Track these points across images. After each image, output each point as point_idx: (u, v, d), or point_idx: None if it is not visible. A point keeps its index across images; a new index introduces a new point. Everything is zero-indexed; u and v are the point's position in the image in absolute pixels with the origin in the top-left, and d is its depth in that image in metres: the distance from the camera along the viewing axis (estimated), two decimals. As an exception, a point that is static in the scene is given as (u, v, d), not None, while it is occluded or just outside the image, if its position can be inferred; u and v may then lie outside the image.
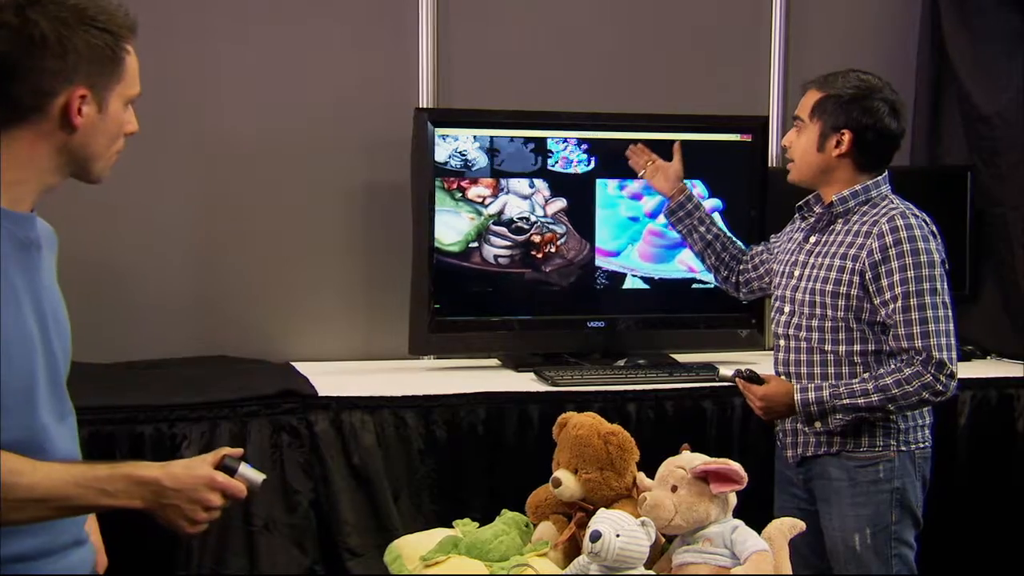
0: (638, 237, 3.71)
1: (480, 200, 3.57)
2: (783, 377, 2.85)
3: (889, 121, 2.77)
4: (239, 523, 2.99)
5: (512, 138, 3.57)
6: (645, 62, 3.95)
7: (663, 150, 3.69)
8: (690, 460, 2.06)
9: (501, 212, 3.58)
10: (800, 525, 2.10)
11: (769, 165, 3.86)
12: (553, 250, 3.65)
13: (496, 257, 3.60)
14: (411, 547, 2.16)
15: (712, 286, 3.71)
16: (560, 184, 3.62)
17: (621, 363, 3.59)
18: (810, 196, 2.89)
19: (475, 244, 3.58)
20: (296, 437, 3.08)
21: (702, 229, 3.17)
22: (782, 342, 2.88)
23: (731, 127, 3.75)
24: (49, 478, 1.64)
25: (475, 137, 3.53)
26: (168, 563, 2.94)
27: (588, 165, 3.62)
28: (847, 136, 2.76)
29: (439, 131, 3.50)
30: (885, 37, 4.16)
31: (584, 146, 3.62)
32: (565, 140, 3.60)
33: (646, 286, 3.72)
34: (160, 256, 3.57)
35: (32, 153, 1.70)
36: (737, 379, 2.81)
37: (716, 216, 3.70)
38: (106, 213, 3.38)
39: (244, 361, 3.55)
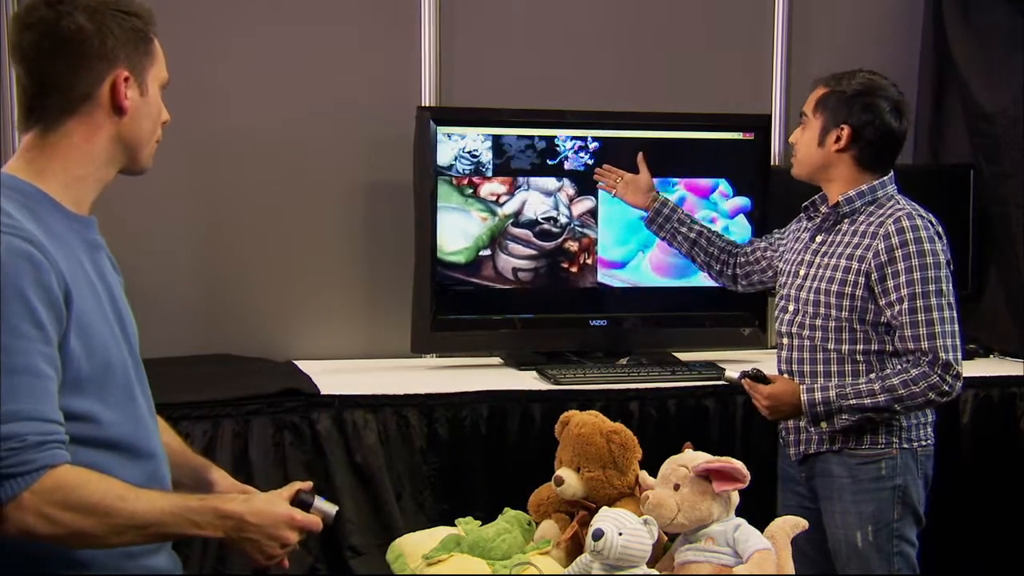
0: (651, 243, 3.67)
1: (494, 198, 3.54)
2: (787, 376, 2.86)
3: (890, 119, 2.78)
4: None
5: (518, 136, 3.56)
6: (648, 60, 3.95)
7: (666, 149, 3.69)
8: (692, 458, 2.06)
9: (519, 212, 3.57)
10: (803, 524, 2.09)
11: (772, 163, 3.86)
12: (589, 260, 3.63)
13: (516, 271, 3.57)
14: (413, 545, 2.16)
15: (713, 285, 3.72)
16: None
17: (623, 361, 3.59)
18: (816, 196, 2.89)
19: (487, 252, 3.55)
20: (298, 436, 3.08)
21: (683, 230, 3.18)
22: (785, 340, 2.88)
23: (734, 125, 3.75)
24: (150, 505, 1.70)
25: (482, 135, 3.53)
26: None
27: (593, 164, 3.62)
28: (845, 131, 2.77)
29: (441, 129, 3.50)
30: (888, 35, 4.16)
31: (587, 144, 3.62)
32: (572, 139, 3.59)
33: (648, 284, 3.71)
34: (162, 254, 3.57)
35: (90, 147, 1.77)
36: (744, 380, 2.81)
37: (733, 214, 3.70)
38: (107, 212, 3.35)
39: (247, 360, 3.55)
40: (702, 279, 3.68)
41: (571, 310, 3.68)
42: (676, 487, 2.02)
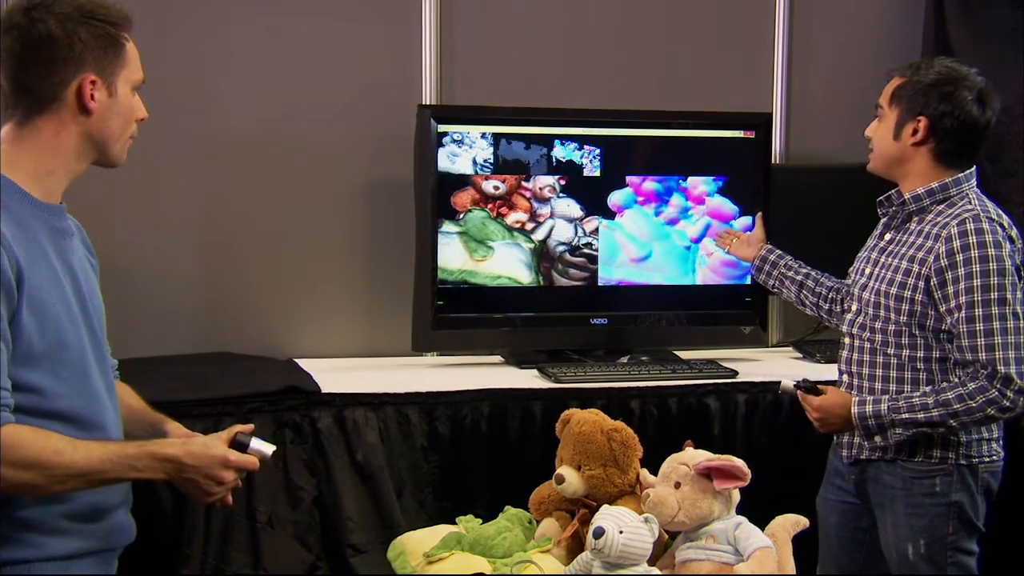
0: (695, 262, 3.71)
1: (519, 225, 3.56)
2: (847, 379, 2.78)
3: (972, 108, 2.63)
4: (243, 519, 2.99)
5: (527, 144, 3.55)
6: (648, 58, 3.94)
7: (667, 147, 3.69)
8: (693, 457, 2.06)
9: (548, 236, 3.59)
10: (803, 522, 2.10)
11: (773, 162, 3.85)
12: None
13: (570, 287, 3.64)
14: (414, 544, 2.16)
15: (715, 283, 3.72)
16: (572, 185, 3.60)
17: (624, 360, 3.58)
18: (892, 191, 2.77)
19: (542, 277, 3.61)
20: (299, 434, 3.08)
21: (790, 274, 3.09)
22: (847, 340, 2.80)
23: (735, 123, 3.74)
24: (87, 456, 1.86)
25: (483, 135, 3.52)
26: (171, 560, 2.94)
27: (594, 163, 3.62)
28: (923, 123, 2.64)
29: (442, 128, 3.50)
30: (889, 32, 4.16)
31: (588, 143, 3.61)
32: (576, 143, 3.59)
33: (649, 282, 3.72)
34: (163, 253, 3.57)
35: (57, 142, 1.92)
36: (797, 390, 2.75)
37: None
38: (109, 210, 3.37)
39: (247, 358, 3.55)
40: (702, 277, 3.69)
41: (572, 308, 3.67)
42: (677, 485, 2.03)
